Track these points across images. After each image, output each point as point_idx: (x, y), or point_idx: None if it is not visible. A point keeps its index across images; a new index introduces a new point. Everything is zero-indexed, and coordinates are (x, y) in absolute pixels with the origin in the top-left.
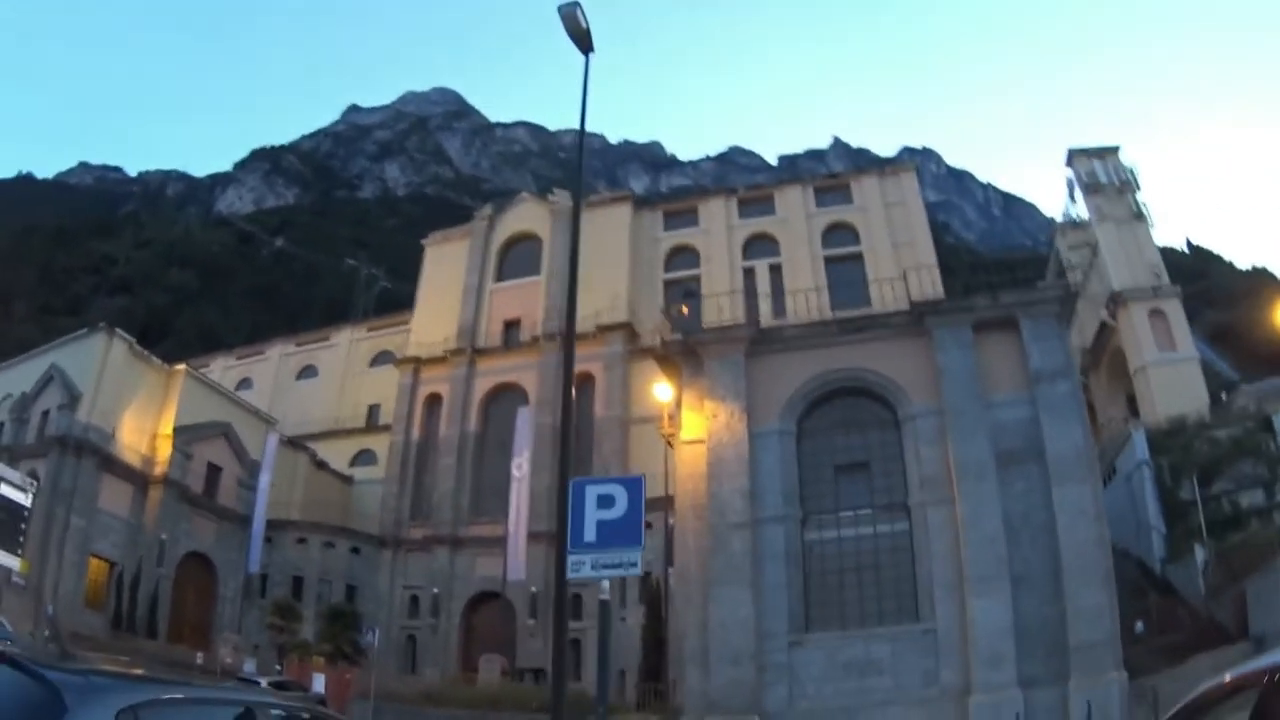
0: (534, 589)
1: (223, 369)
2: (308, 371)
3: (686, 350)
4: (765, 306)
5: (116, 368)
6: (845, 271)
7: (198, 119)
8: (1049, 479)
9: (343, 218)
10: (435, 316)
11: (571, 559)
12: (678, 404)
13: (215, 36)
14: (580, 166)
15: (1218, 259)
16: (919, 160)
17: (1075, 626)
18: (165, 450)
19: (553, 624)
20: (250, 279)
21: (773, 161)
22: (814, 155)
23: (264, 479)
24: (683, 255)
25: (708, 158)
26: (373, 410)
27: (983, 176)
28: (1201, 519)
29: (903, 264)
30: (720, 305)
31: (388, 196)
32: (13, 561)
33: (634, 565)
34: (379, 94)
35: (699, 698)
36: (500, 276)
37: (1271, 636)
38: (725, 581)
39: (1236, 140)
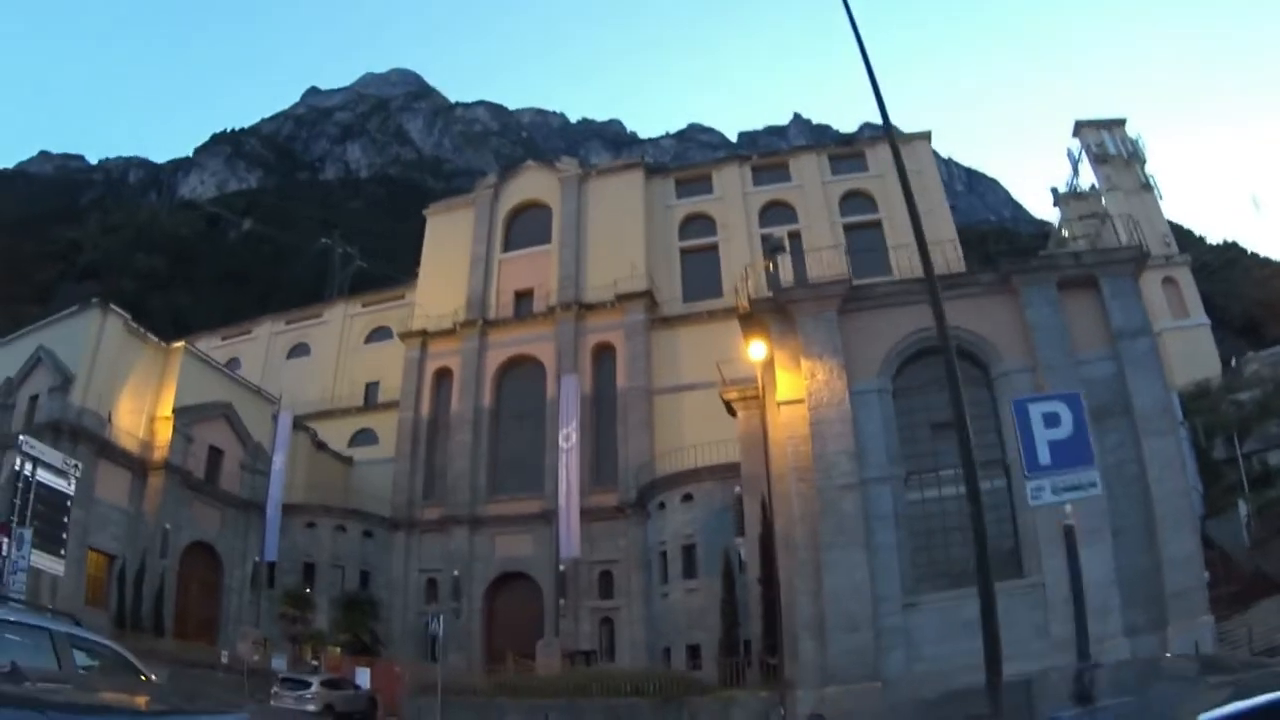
0: (561, 567)
1: (208, 349)
2: (299, 350)
3: (776, 308)
4: (787, 272)
5: (111, 347)
6: (864, 239)
7: (156, 105)
8: (1137, 432)
9: (307, 199)
10: (440, 288)
11: (1030, 485)
12: (769, 364)
13: (171, 20)
14: (880, 98)
15: (1189, 233)
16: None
17: (1170, 574)
18: (164, 434)
19: (978, 582)
20: (219, 262)
21: (732, 138)
22: (774, 131)
23: (278, 459)
24: (697, 223)
25: (667, 135)
26: (370, 388)
27: (944, 152)
28: (1244, 476)
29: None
30: (740, 273)
31: (350, 178)
32: (56, 565)
33: (1094, 485)
34: (338, 77)
35: (815, 669)
36: (508, 246)
37: None
38: (839, 545)
39: (1203, 124)
